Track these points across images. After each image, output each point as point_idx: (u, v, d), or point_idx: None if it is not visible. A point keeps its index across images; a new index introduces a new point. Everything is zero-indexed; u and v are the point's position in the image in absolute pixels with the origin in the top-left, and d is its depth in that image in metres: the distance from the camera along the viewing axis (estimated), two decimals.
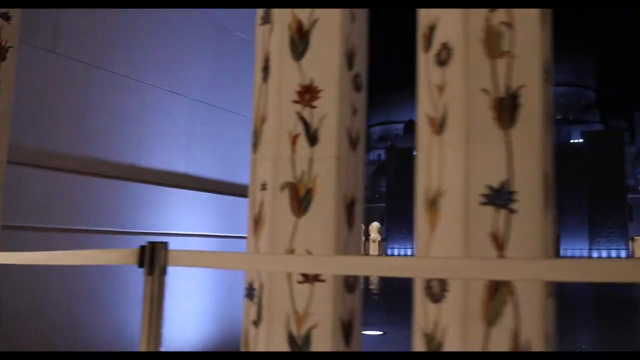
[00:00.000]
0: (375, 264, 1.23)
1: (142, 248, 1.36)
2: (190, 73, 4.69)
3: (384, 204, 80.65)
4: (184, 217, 4.42)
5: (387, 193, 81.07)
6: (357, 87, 2.09)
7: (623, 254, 60.40)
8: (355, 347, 2.00)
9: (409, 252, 75.38)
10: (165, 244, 1.35)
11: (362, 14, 2.15)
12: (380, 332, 4.96)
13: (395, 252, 76.56)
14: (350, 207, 2.00)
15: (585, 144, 69.63)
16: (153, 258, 1.33)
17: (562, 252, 66.58)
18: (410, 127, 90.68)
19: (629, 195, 66.74)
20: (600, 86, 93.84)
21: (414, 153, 1.83)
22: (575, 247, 65.62)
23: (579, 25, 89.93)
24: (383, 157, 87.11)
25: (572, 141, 75.78)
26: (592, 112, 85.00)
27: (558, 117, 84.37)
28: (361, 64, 2.12)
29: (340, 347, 1.94)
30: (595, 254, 62.52)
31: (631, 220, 65.39)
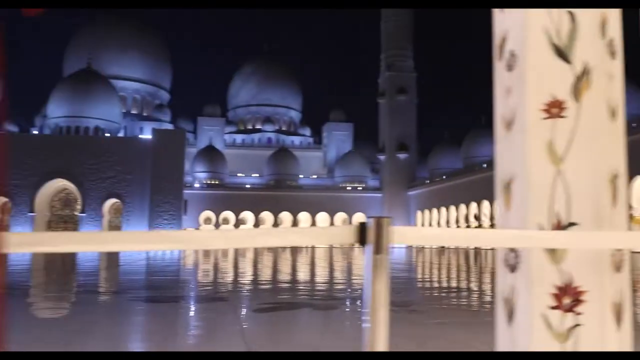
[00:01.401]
0: None
1: None
2: None
3: None
4: None
5: None
6: None
7: None
8: None
9: None
10: None
11: None
12: None
13: None
14: None
15: (154, 140, 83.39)
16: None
17: None
18: None
19: (186, 191, 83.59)
20: (174, 89, 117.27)
21: None
22: None
23: (157, 28, 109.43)
24: None
25: (141, 136, 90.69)
26: (164, 111, 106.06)
27: (133, 112, 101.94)
28: None
29: None
30: None
31: (185, 213, 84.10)
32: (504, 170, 1.86)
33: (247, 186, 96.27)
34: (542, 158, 1.72)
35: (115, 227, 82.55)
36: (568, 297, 1.66)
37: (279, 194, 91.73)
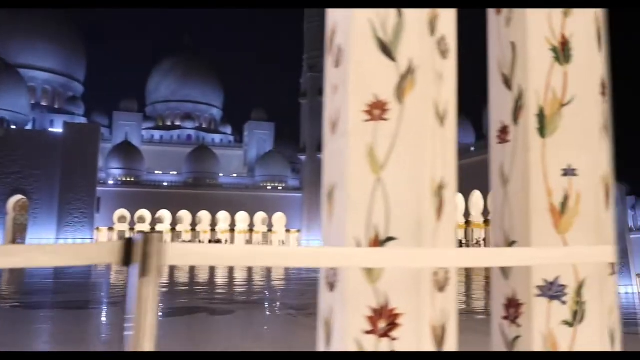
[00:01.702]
0: None
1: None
2: None
3: None
4: None
5: None
6: None
7: (88, 242, 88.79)
8: None
9: None
10: None
11: None
12: None
13: None
14: None
15: (65, 134, 78.95)
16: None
17: (28, 241, 66.64)
18: None
19: (99, 188, 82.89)
20: (88, 81, 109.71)
21: None
22: (42, 237, 68.74)
23: (71, 16, 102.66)
24: None
25: (52, 129, 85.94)
26: (78, 104, 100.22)
27: (43, 104, 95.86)
28: None
29: None
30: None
31: (98, 211, 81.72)
32: (329, 176, 1.67)
33: (165, 184, 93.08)
34: (362, 165, 1.54)
35: (21, 225, 77.81)
36: (383, 320, 1.49)
37: (197, 192, 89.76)
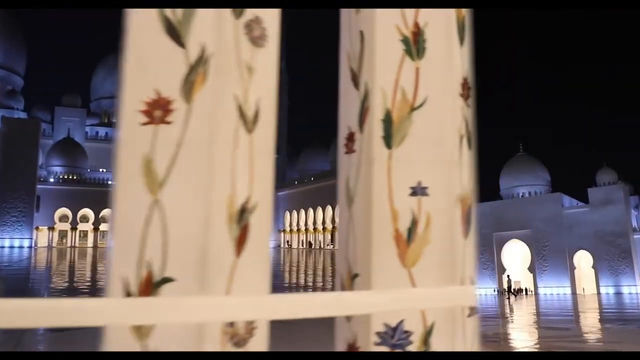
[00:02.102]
0: None
1: None
2: None
3: None
4: None
5: None
6: None
7: (27, 243, 70.15)
8: None
9: None
10: None
11: None
12: None
13: None
14: None
15: (3, 130, 77.17)
16: None
17: None
18: None
19: (40, 186, 77.83)
20: (29, 75, 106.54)
21: None
22: None
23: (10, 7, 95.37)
24: None
25: None
26: (17, 98, 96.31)
27: None
28: None
29: None
30: None
31: (38, 210, 77.28)
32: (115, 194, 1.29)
33: (110, 182, 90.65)
34: (136, 182, 1.16)
35: None
36: None
37: None
